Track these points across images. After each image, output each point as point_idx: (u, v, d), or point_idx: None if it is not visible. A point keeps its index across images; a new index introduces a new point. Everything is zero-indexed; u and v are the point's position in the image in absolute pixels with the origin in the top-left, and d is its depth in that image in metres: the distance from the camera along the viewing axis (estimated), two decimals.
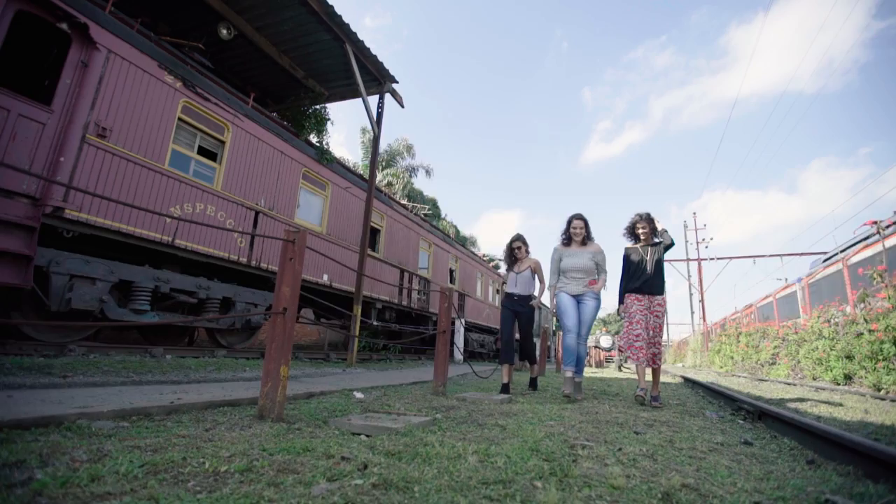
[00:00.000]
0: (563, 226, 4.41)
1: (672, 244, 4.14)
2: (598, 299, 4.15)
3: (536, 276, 4.72)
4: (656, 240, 4.16)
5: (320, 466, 1.31)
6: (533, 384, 4.91)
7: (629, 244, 4.27)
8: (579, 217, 4.32)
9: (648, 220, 4.17)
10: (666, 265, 4.05)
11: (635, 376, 11.53)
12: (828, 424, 2.19)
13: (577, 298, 4.17)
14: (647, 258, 4.07)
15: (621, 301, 4.14)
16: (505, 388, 4.23)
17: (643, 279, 4.00)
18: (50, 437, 1.46)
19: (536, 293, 4.74)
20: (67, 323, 2.93)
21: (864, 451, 1.53)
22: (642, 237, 4.16)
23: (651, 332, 3.89)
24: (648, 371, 4.04)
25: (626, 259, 4.21)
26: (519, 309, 4.58)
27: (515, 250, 4.71)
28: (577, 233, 4.28)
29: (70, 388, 2.61)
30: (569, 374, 3.97)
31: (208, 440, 1.58)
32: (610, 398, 4.26)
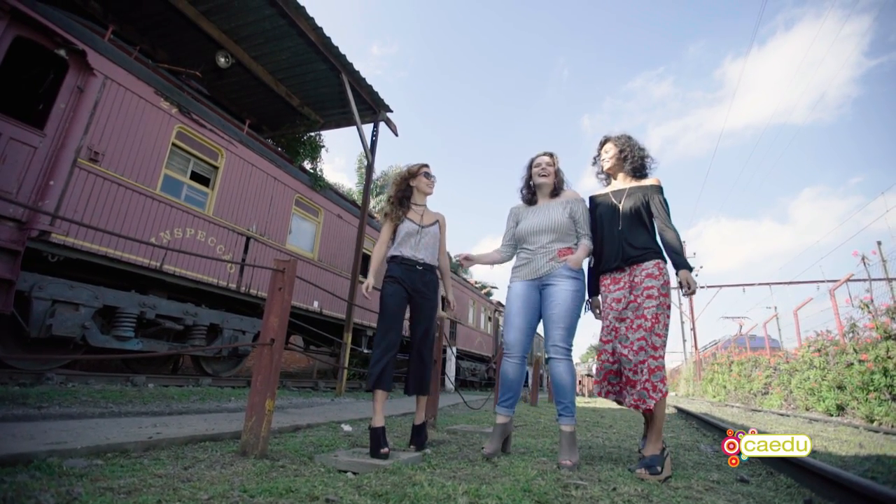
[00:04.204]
0: (524, 172, 2.69)
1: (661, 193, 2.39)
2: (577, 278, 2.37)
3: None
4: (643, 181, 2.45)
5: None
6: (419, 436, 2.56)
7: (599, 190, 2.63)
8: (546, 154, 2.64)
9: (620, 141, 2.51)
10: None
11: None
12: (823, 461, 2.15)
13: (541, 284, 2.43)
14: (622, 205, 2.39)
15: (592, 292, 2.53)
16: (376, 439, 2.17)
17: (615, 242, 2.35)
18: (17, 478, 1.38)
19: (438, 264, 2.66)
20: (44, 356, 2.83)
21: (861, 492, 1.51)
22: (607, 167, 2.55)
23: (633, 332, 2.16)
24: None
25: (592, 215, 2.55)
26: (420, 288, 2.50)
27: (423, 179, 2.66)
28: (544, 172, 2.56)
29: (44, 420, 2.51)
30: (500, 419, 2.39)
31: (186, 480, 1.51)
32: (604, 430, 4.19)
